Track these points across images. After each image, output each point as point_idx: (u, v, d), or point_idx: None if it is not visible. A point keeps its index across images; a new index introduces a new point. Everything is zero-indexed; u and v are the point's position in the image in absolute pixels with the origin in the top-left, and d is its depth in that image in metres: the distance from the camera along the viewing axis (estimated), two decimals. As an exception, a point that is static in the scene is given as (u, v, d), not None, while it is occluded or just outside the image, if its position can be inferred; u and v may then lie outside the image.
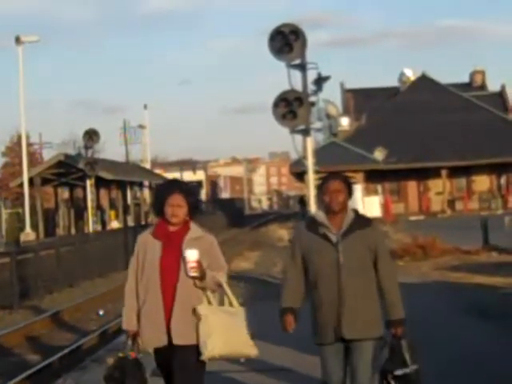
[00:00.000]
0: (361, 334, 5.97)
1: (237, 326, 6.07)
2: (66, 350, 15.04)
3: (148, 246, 6.20)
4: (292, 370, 9.57)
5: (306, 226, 6.09)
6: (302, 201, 75.07)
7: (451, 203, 56.53)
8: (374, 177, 53.89)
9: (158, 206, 6.26)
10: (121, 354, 6.15)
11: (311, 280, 6.06)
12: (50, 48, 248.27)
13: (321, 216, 6.04)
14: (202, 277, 6.03)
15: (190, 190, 6.26)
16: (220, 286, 6.12)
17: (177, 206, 6.12)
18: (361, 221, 6.04)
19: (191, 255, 6.00)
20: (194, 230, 6.21)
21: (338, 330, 5.97)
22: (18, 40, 42.63)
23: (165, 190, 6.29)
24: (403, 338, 6.13)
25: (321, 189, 6.10)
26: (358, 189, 18.20)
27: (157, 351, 6.13)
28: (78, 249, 29.28)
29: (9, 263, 22.70)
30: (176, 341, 6.00)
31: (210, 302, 6.09)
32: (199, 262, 6.01)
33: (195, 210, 6.27)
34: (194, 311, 6.01)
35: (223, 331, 5.97)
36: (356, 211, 6.09)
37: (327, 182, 6.07)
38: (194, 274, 6.03)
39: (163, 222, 6.23)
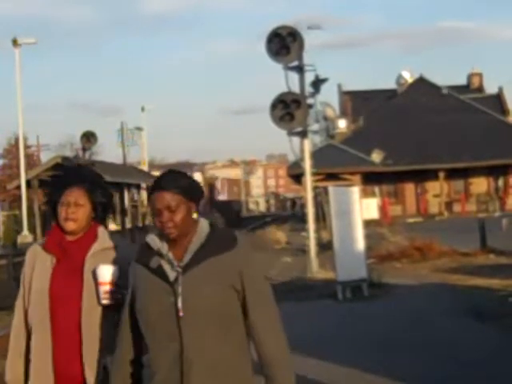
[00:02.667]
0: None
1: None
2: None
3: (37, 264, 4.23)
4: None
5: (136, 256, 3.88)
6: (294, 203, 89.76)
7: (449, 205, 56.52)
8: (372, 179, 53.85)
9: (50, 206, 4.32)
10: None
11: (144, 342, 3.87)
12: (47, 50, 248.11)
13: (156, 240, 3.81)
14: (119, 305, 4.04)
15: (95, 181, 4.29)
16: None
17: (73, 205, 4.16)
18: (218, 241, 3.77)
19: (105, 274, 4.13)
20: (103, 239, 4.25)
21: None
22: (15, 42, 42.55)
23: (58, 182, 4.33)
24: None
25: (149, 203, 3.88)
26: (356, 191, 18.18)
27: None
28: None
29: (6, 265, 22.72)
30: None
31: None
32: (117, 285, 4.12)
33: (105, 211, 4.32)
34: None
35: None
36: (212, 226, 3.85)
37: (152, 194, 3.81)
38: (107, 301, 4.12)
39: (57, 227, 4.26)
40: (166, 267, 3.73)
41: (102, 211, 4.28)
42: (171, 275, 3.71)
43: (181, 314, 3.65)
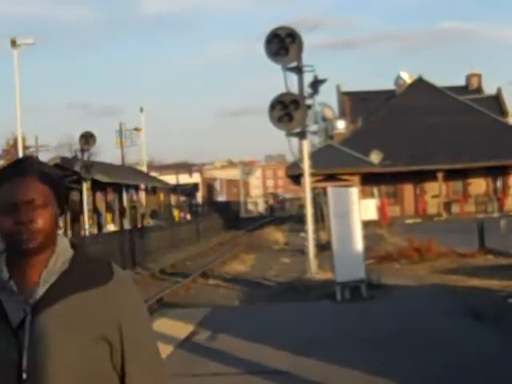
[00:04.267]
0: None
1: None
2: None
3: None
4: (288, 373, 9.54)
5: None
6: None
7: (447, 206, 56.55)
8: (370, 180, 53.87)
9: None
10: None
11: None
12: (46, 50, 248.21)
13: None
14: None
15: None
16: None
17: None
18: (86, 270, 2.52)
19: None
20: None
21: None
22: (13, 42, 42.55)
23: None
24: None
25: None
26: (354, 192, 18.17)
27: None
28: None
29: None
30: None
31: None
32: None
33: None
34: None
35: None
36: (76, 248, 2.57)
37: (4, 181, 2.49)
38: None
39: None
40: (8, 305, 2.46)
41: None
42: (15, 317, 2.45)
43: (24, 376, 2.40)
